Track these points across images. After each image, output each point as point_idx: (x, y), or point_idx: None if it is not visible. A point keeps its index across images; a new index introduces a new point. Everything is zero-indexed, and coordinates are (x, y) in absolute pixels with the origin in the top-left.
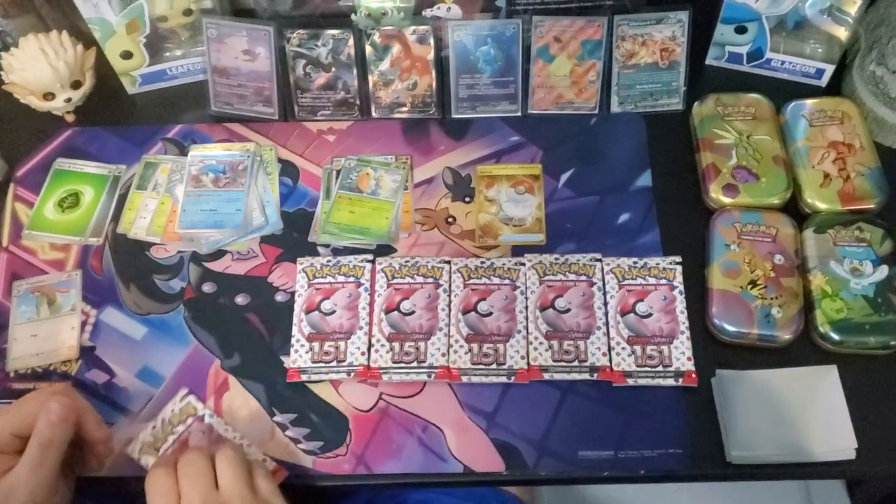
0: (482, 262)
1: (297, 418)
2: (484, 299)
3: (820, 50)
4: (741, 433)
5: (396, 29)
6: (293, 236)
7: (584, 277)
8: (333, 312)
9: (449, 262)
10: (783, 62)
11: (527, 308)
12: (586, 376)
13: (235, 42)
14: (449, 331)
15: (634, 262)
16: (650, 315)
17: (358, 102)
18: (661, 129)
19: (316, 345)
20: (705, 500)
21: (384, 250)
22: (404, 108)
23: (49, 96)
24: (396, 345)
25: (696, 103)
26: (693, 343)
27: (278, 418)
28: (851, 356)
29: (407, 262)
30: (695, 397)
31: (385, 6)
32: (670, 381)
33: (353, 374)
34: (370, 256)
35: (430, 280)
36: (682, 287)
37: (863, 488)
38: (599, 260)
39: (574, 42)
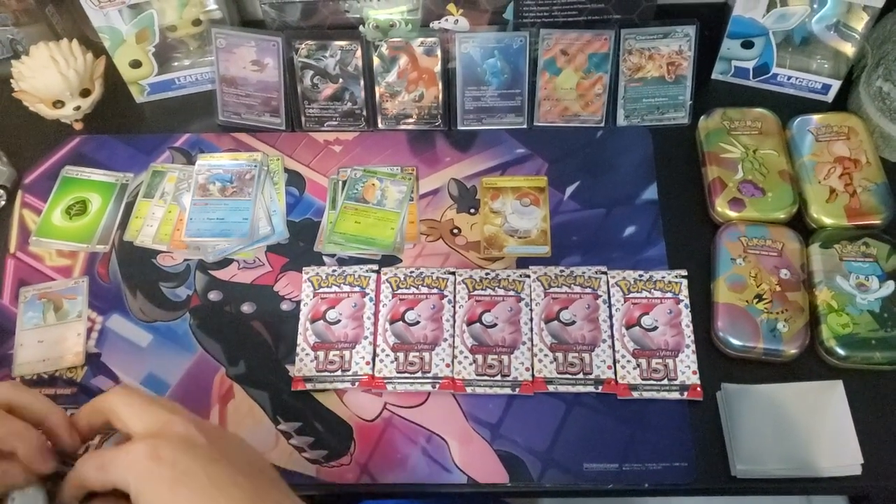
0: (487, 274)
1: (301, 427)
2: (489, 311)
3: (826, 65)
4: (746, 447)
5: (404, 41)
6: (299, 246)
7: (589, 290)
8: (338, 322)
9: (454, 273)
10: (789, 77)
11: (531, 320)
12: (591, 389)
13: (244, 52)
14: (453, 342)
15: (640, 276)
16: (655, 328)
17: (365, 113)
18: (667, 142)
19: (321, 354)
20: None
21: (389, 261)
22: (410, 120)
23: (58, 104)
24: (401, 355)
25: (702, 117)
26: (698, 357)
27: (283, 427)
28: (857, 371)
29: (412, 272)
30: (700, 411)
31: (393, 18)
32: (675, 395)
33: (357, 383)
34: (375, 267)
35: (435, 291)
36: (687, 300)
37: None
38: (605, 273)
39: (581, 55)
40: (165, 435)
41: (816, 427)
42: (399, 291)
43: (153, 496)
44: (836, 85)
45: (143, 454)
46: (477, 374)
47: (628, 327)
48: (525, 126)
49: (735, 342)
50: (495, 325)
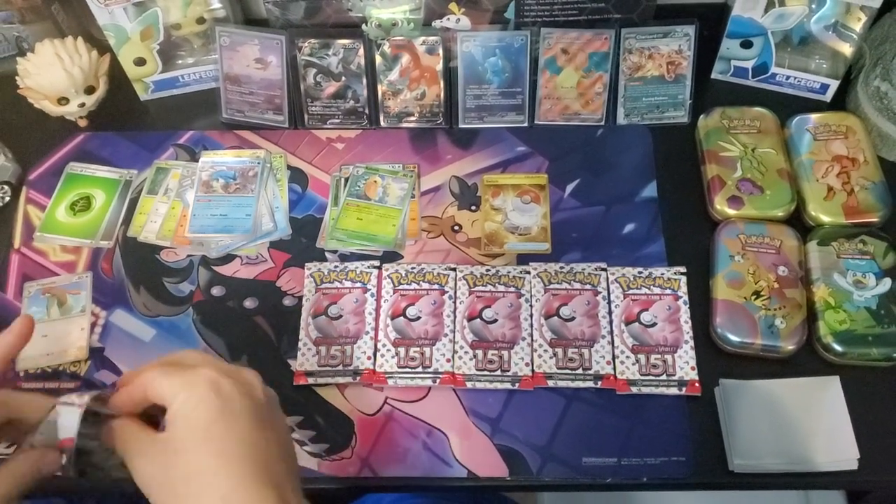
0: (487, 270)
1: (303, 421)
2: (489, 306)
3: (825, 65)
4: (744, 442)
5: (406, 39)
6: (301, 242)
7: (588, 286)
8: (340, 317)
9: (454, 270)
10: (788, 77)
11: (532, 316)
12: (590, 384)
13: (247, 50)
14: (454, 337)
15: (639, 272)
16: (654, 324)
17: (367, 111)
18: (666, 141)
19: (323, 349)
20: None
21: (391, 257)
22: (412, 118)
23: (63, 101)
24: (402, 350)
25: (701, 116)
26: (697, 352)
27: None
28: (854, 367)
29: (413, 268)
30: (698, 406)
31: (395, 17)
32: (674, 390)
33: (359, 377)
34: (377, 263)
35: (436, 287)
36: (686, 297)
37: (866, 501)
38: (604, 269)
39: (581, 54)
40: (232, 375)
41: (813, 422)
42: (400, 287)
43: (194, 419)
44: (834, 84)
45: (206, 379)
46: (477, 370)
47: (627, 323)
48: (526, 124)
49: (733, 338)
50: (495, 320)
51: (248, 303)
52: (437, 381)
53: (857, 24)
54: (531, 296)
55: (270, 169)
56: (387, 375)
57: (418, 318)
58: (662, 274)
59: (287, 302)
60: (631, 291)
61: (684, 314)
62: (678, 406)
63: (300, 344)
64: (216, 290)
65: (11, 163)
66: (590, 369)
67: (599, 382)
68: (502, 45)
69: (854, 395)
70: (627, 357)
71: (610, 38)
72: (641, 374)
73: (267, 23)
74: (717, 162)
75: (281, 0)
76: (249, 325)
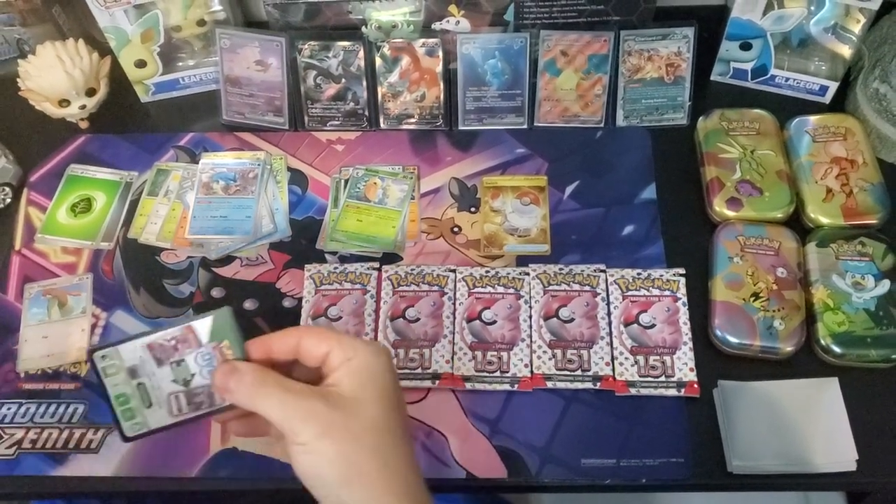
0: (487, 272)
1: None
2: (488, 308)
3: (824, 67)
4: (742, 443)
5: (406, 41)
6: (301, 243)
7: (587, 288)
8: (340, 318)
9: (454, 271)
10: (787, 79)
11: (531, 317)
12: (589, 385)
13: (248, 53)
14: (453, 338)
15: (638, 274)
16: (653, 326)
17: (367, 113)
18: (666, 142)
19: None
20: None
21: (390, 258)
22: (412, 120)
23: (64, 103)
24: (401, 351)
25: (700, 118)
26: (695, 354)
27: None
28: (853, 369)
29: (412, 270)
30: (697, 408)
31: (395, 19)
32: (672, 392)
33: None
34: (376, 264)
35: (436, 288)
36: (685, 298)
37: (865, 503)
38: (603, 271)
39: (581, 56)
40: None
41: (812, 423)
42: (400, 289)
43: (382, 380)
44: (833, 86)
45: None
46: (476, 371)
47: (626, 325)
48: (525, 126)
49: (732, 340)
50: (495, 322)
51: (248, 304)
52: (437, 382)
53: (856, 25)
54: (530, 297)
55: (270, 170)
56: None
57: (418, 319)
58: (661, 275)
59: (287, 303)
60: (630, 293)
61: (683, 315)
62: (677, 407)
63: None
64: (216, 292)
65: (12, 164)
66: (589, 371)
67: (598, 384)
68: (502, 48)
69: (853, 397)
70: (626, 358)
71: (609, 41)
72: (640, 376)
73: (267, 25)
74: (717, 164)
75: (281, 2)
76: (249, 327)
